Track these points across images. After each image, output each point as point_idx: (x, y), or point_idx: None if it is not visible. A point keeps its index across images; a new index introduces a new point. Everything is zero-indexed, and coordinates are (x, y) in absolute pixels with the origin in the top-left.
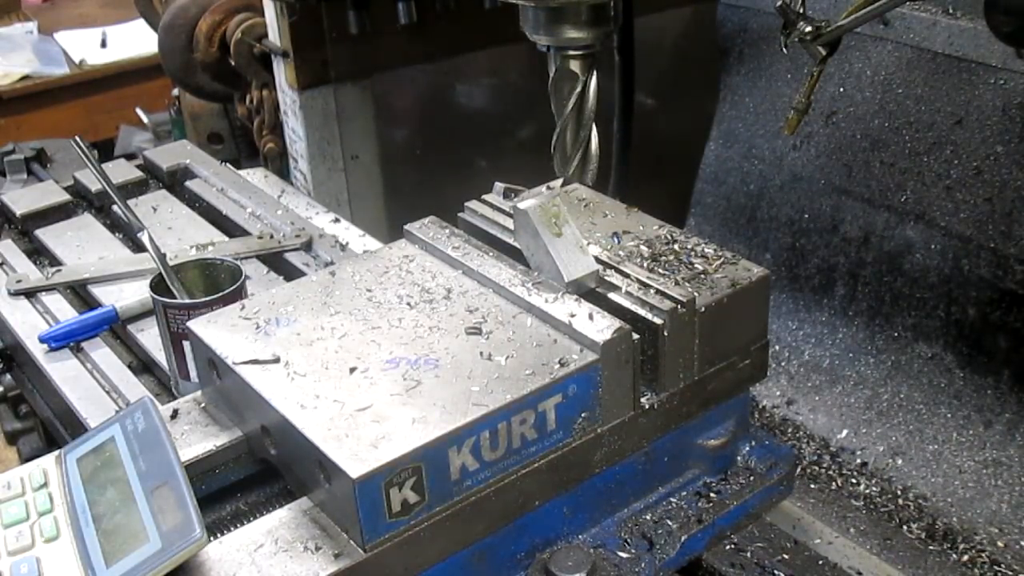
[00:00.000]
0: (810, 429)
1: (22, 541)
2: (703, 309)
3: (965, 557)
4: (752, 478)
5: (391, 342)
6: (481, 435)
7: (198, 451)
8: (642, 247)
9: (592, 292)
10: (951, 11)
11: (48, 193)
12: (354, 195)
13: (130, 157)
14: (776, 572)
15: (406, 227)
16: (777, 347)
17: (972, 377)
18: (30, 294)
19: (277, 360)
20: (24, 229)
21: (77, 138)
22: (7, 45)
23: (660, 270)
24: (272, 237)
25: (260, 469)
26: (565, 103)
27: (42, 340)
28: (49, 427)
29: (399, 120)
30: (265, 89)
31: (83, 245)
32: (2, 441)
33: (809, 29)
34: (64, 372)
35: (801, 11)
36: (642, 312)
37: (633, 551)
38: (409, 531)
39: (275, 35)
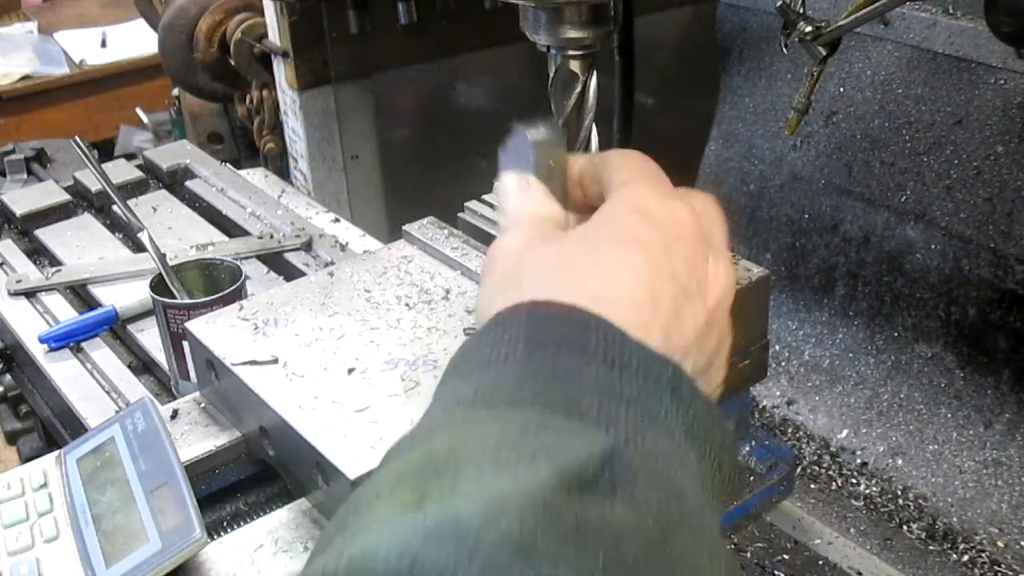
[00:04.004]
0: (810, 429)
1: (22, 541)
2: None
3: (965, 557)
4: (752, 478)
5: (389, 343)
6: None
7: (198, 451)
8: None
9: None
10: (951, 11)
11: (48, 193)
12: (354, 195)
13: (130, 157)
14: (776, 572)
15: (404, 228)
16: (777, 347)
17: (972, 377)
18: (30, 294)
19: (275, 361)
20: (24, 229)
21: (77, 138)
22: (7, 45)
23: None
24: (272, 237)
25: (260, 469)
26: (565, 103)
27: (42, 340)
28: (49, 427)
29: (399, 120)
30: (265, 89)
31: (83, 245)
32: (2, 441)
33: (809, 29)
34: (64, 372)
35: (801, 11)
36: None
37: None
38: None
39: (275, 35)
